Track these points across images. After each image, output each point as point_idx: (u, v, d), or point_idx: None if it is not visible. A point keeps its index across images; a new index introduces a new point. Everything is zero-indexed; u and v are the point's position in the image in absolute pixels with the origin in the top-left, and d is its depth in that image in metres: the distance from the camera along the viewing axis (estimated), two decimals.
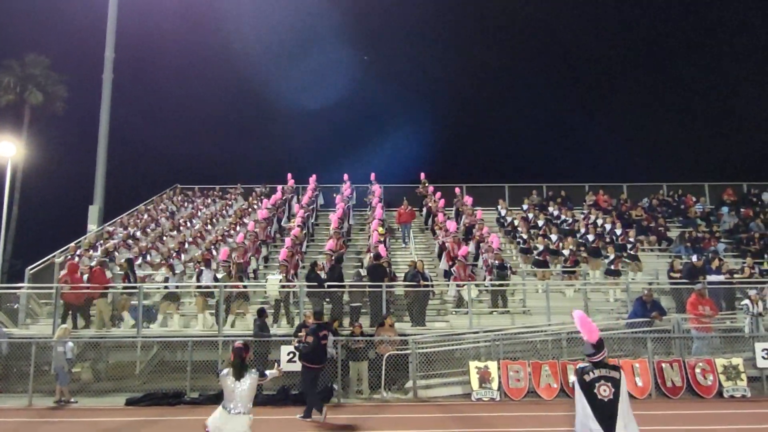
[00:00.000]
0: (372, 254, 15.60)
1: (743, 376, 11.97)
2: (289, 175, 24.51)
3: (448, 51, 45.27)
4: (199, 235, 19.92)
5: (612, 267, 16.64)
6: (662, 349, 12.94)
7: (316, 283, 14.39)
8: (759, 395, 11.93)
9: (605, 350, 6.32)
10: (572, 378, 6.31)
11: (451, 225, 18.52)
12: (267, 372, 6.40)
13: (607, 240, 18.81)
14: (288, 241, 17.04)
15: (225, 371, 6.05)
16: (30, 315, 15.78)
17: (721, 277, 14.87)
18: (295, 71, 42.65)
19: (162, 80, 40.36)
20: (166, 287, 15.29)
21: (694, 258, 15.77)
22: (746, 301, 13.11)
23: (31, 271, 16.54)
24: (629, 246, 18.03)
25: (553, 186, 25.65)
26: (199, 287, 14.88)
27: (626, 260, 17.80)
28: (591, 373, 6.14)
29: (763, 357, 12.07)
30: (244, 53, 40.12)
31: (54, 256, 17.66)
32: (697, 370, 12.02)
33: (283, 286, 14.82)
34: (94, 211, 24.18)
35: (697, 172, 28.44)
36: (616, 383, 6.10)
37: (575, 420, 6.18)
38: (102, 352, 14.40)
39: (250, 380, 5.97)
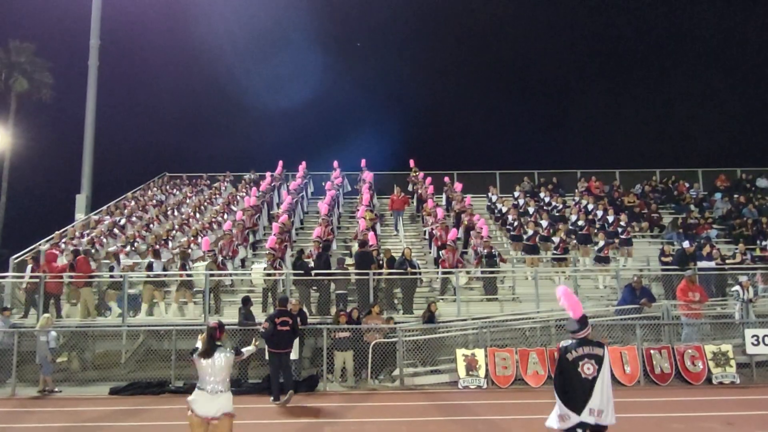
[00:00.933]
0: (358, 241, 15.48)
1: (732, 362, 11.92)
2: (280, 163, 24.35)
3: (435, 39, 44.95)
4: (185, 223, 19.74)
5: (601, 254, 16.55)
6: (652, 336, 12.88)
7: (302, 271, 14.27)
8: (748, 382, 11.88)
9: (589, 326, 6.26)
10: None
11: (440, 212, 18.40)
12: (243, 349, 6.27)
13: (598, 226, 18.73)
14: (275, 228, 16.90)
15: (197, 354, 5.94)
16: (15, 305, 15.63)
17: (711, 264, 14.82)
18: (282, 61, 42.37)
19: (150, 68, 40.03)
20: (110, 276, 15.04)
21: (686, 244, 15.69)
22: (737, 287, 13.05)
23: (16, 261, 16.38)
24: (620, 231, 17.95)
25: (544, 173, 25.59)
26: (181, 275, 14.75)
27: (618, 246, 17.79)
28: (574, 351, 6.06)
29: (753, 343, 12.02)
30: (230, 42, 39.83)
31: (39, 245, 17.53)
32: (686, 357, 11.97)
33: (268, 274, 14.70)
34: (81, 200, 23.96)
35: (690, 158, 28.36)
36: (599, 360, 6.04)
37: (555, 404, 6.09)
38: (89, 342, 14.26)
39: (225, 358, 5.87)
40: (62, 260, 15.79)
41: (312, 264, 14.65)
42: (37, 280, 14.37)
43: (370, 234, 15.65)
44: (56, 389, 12.16)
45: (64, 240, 17.67)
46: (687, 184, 24.27)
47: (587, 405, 5.89)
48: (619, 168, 26.20)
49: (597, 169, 26.05)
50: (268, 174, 23.59)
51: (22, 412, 10.54)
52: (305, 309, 13.27)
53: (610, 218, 18.96)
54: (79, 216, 23.08)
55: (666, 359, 11.97)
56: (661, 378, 11.85)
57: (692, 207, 21.99)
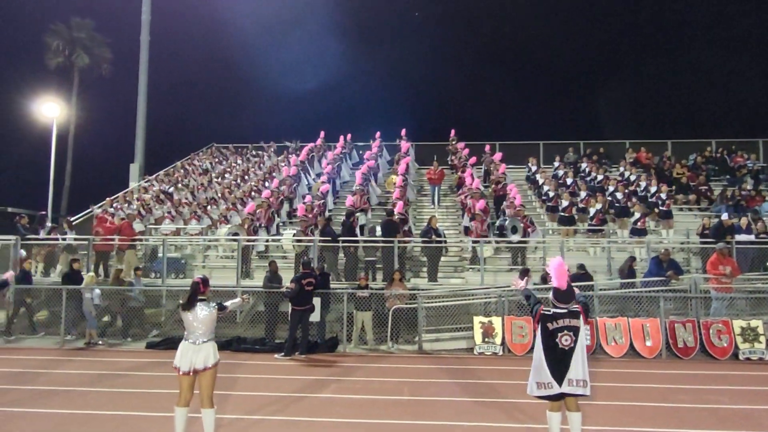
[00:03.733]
0: (386, 210, 15.75)
1: (762, 338, 11.48)
2: (321, 133, 24.79)
3: (478, 8, 43.88)
4: (228, 190, 20.56)
5: (637, 225, 16.12)
6: (679, 309, 12.59)
7: (329, 238, 14.71)
8: None
9: (574, 300, 6.33)
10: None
11: (472, 181, 18.35)
12: (227, 303, 6.58)
13: (639, 198, 18.18)
14: (308, 197, 17.41)
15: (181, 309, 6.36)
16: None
17: (751, 237, 14.17)
18: (327, 38, 42.73)
19: (199, 43, 41.19)
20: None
21: (724, 216, 15.04)
22: None
23: (73, 224, 17.69)
24: (661, 203, 17.39)
25: (591, 143, 24.90)
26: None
27: (658, 218, 17.30)
28: (555, 323, 6.16)
29: None
30: (276, 18, 40.47)
31: (92, 211, 18.80)
32: (712, 331, 11.62)
33: (298, 241, 15.22)
34: (134, 168, 25.31)
35: (750, 127, 26.74)
36: (576, 332, 6.12)
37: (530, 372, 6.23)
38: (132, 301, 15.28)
39: (208, 311, 6.24)
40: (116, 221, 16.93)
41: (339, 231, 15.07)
42: (86, 241, 15.51)
43: (399, 204, 15.85)
44: (100, 342, 13.21)
45: (114, 206, 18.87)
46: (745, 155, 23.05)
47: (566, 376, 6.01)
48: (672, 138, 25.20)
49: (648, 140, 25.16)
50: (308, 145, 24.12)
51: (66, 360, 11.54)
52: (329, 273, 13.82)
53: (653, 189, 18.36)
54: (133, 184, 24.45)
55: (690, 333, 11.68)
56: (684, 352, 11.60)
57: (748, 179, 20.90)
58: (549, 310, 6.25)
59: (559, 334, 6.12)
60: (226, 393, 8.49)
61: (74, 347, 12.88)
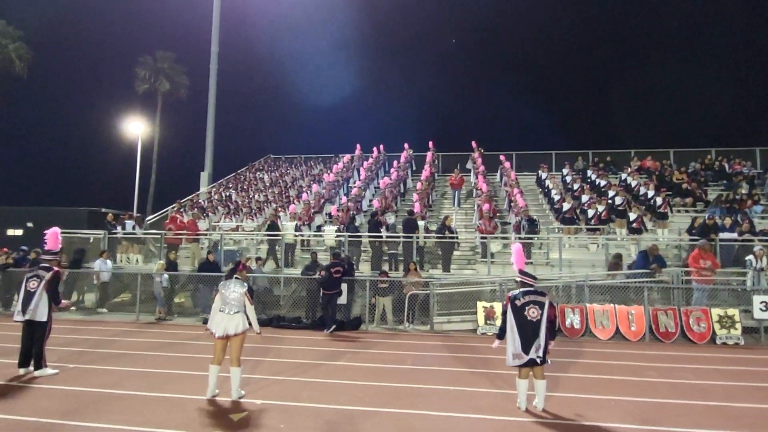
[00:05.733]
0: (407, 210, 16.01)
1: (738, 325, 11.18)
2: (357, 145, 25.29)
3: (493, 35, 43.71)
4: (279, 194, 21.27)
5: (634, 225, 15.83)
6: (664, 299, 12.36)
7: (356, 234, 15.11)
8: (755, 344, 11.13)
9: (535, 278, 6.62)
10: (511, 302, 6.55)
11: (484, 186, 18.40)
12: (252, 312, 6.98)
13: (638, 201, 17.82)
14: (343, 199, 17.86)
15: (221, 282, 6.90)
16: (148, 254, 17.91)
17: (734, 235, 13.72)
18: (364, 66, 43.73)
19: (258, 71, 42.61)
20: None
21: (707, 216, 14.63)
22: (750, 257, 12.09)
23: (150, 222, 18.74)
24: (658, 206, 17.00)
25: (599, 152, 24.47)
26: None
27: (653, 219, 16.93)
28: (522, 298, 6.42)
29: (761, 309, 11.17)
30: (327, 49, 41.50)
31: (167, 211, 19.84)
32: (692, 318, 11.40)
33: (337, 235, 15.70)
34: (204, 176, 26.41)
35: (748, 137, 25.65)
36: (542, 306, 6.36)
37: (507, 343, 6.44)
38: (198, 285, 16.10)
39: (240, 290, 6.75)
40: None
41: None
42: (159, 235, 16.42)
43: (416, 205, 16.10)
44: (167, 318, 14.01)
45: (184, 207, 19.84)
46: (743, 162, 22.18)
47: (534, 344, 6.23)
48: (674, 147, 24.49)
49: (652, 149, 24.54)
50: (347, 156, 24.66)
51: (139, 331, 12.35)
52: (353, 263, 14.22)
53: (650, 193, 17.96)
54: (203, 189, 25.56)
55: (671, 319, 11.48)
56: (666, 336, 11.41)
57: (743, 184, 20.11)
58: (515, 292, 6.50)
59: (527, 308, 6.35)
60: (260, 359, 8.97)
61: (146, 321, 13.72)
